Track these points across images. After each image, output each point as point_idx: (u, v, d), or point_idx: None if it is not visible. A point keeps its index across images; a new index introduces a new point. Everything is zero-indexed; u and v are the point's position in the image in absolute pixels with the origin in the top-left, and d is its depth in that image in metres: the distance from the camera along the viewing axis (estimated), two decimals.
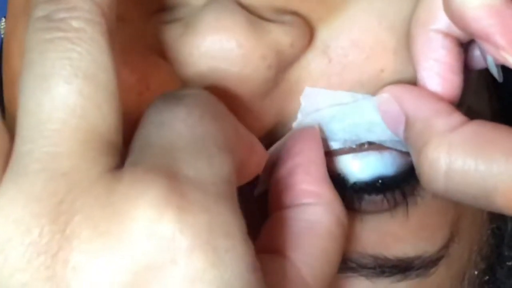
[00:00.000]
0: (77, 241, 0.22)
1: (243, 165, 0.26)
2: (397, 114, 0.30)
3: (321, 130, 0.32)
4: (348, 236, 0.32)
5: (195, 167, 0.23)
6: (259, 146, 0.29)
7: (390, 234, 0.33)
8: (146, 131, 0.25)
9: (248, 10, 0.29)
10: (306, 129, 0.31)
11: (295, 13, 0.30)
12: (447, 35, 0.29)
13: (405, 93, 0.30)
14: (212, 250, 0.22)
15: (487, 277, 0.39)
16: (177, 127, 0.24)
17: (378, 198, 0.32)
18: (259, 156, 0.29)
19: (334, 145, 0.32)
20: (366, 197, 0.32)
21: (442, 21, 0.29)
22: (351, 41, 0.31)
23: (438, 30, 0.29)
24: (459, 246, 0.36)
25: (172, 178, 0.23)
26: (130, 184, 0.22)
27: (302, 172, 0.30)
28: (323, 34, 0.31)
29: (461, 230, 0.36)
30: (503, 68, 0.31)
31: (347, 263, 0.32)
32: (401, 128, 0.30)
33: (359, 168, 0.32)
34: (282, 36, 0.29)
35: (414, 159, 0.30)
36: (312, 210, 0.29)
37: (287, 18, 0.30)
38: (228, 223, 0.23)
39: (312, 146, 0.31)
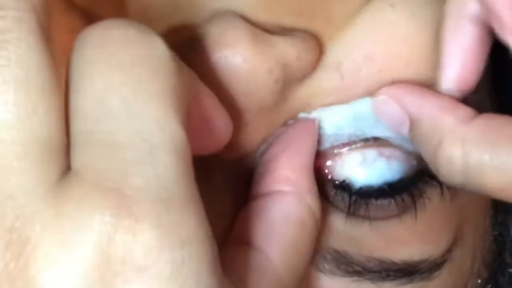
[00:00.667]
0: (32, 271, 0.21)
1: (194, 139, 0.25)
2: (399, 115, 0.30)
3: (321, 127, 0.31)
4: (355, 240, 0.32)
5: (140, 171, 0.22)
6: (221, 122, 0.27)
7: (397, 238, 0.33)
8: (81, 107, 0.22)
9: (255, 25, 0.29)
10: (303, 120, 0.31)
11: (304, 30, 0.30)
12: (476, 22, 0.29)
13: (405, 93, 0.30)
14: (167, 265, 0.21)
15: (489, 286, 0.39)
16: (114, 108, 0.22)
17: (386, 202, 0.32)
18: (219, 132, 0.27)
19: (338, 139, 0.32)
20: (374, 201, 0.32)
21: (471, 7, 0.29)
22: (364, 55, 0.31)
23: (467, 16, 0.29)
24: (462, 251, 0.35)
25: (118, 193, 0.21)
26: (78, 205, 0.21)
27: (283, 159, 0.30)
28: (335, 51, 0.31)
29: (464, 235, 0.35)
30: (504, 66, 0.31)
31: (352, 266, 0.32)
32: (405, 129, 0.30)
33: (365, 176, 0.32)
34: (288, 49, 0.29)
35: (427, 157, 0.30)
36: (285, 199, 0.29)
37: (295, 33, 0.29)
38: (183, 231, 0.22)
39: (303, 136, 0.31)
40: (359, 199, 0.32)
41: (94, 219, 0.21)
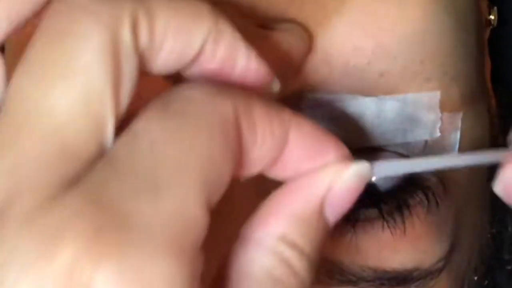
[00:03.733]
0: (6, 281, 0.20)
1: (275, 158, 0.23)
2: None
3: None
4: (347, 248, 0.31)
5: (136, 201, 0.20)
6: (305, 132, 0.24)
7: (388, 245, 0.32)
8: (121, 139, 0.22)
9: (247, 19, 0.29)
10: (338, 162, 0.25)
11: (293, 21, 0.30)
12: None
13: None
14: None
15: (486, 282, 0.39)
16: (141, 143, 0.21)
17: (374, 211, 0.32)
18: (305, 144, 0.24)
19: None
20: (363, 210, 0.32)
21: None
22: (353, 47, 0.30)
23: None
24: (459, 254, 0.35)
25: (106, 213, 0.20)
26: (62, 212, 0.20)
27: (280, 206, 0.24)
28: (324, 41, 0.30)
29: (461, 238, 0.35)
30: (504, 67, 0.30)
31: (346, 276, 0.32)
32: None
33: None
34: (280, 44, 0.29)
35: None
36: (262, 254, 0.23)
37: (285, 25, 0.29)
38: (153, 274, 0.20)
39: (311, 180, 0.25)
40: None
41: (67, 237, 0.20)
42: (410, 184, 0.33)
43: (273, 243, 0.23)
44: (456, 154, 0.30)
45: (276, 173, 0.24)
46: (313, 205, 0.24)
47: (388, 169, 0.26)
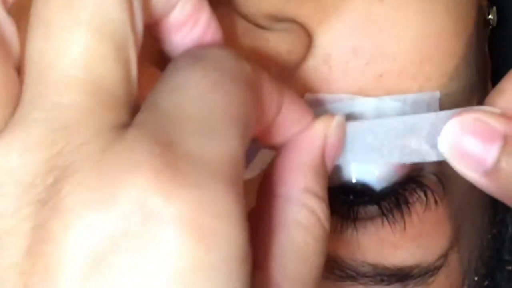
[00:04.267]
0: (64, 194, 0.21)
1: (270, 124, 0.25)
2: (492, 131, 0.28)
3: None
4: (347, 244, 0.32)
5: (197, 140, 0.22)
6: (296, 108, 0.27)
7: (388, 241, 0.33)
8: (159, 90, 0.24)
9: (246, 19, 0.29)
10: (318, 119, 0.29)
11: (292, 20, 0.30)
12: None
13: (493, 114, 0.28)
14: (197, 229, 0.20)
15: (486, 282, 0.39)
16: (188, 92, 0.23)
17: (373, 209, 0.32)
18: (293, 119, 0.27)
19: None
20: (362, 208, 0.32)
21: None
22: (352, 47, 0.31)
23: None
24: (458, 254, 0.35)
25: (171, 150, 0.21)
26: (127, 147, 0.21)
27: (281, 159, 0.28)
28: (323, 42, 0.31)
29: (461, 237, 0.35)
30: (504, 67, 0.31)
31: (346, 272, 0.32)
32: (495, 148, 0.28)
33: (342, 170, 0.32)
34: (279, 44, 0.29)
35: None
36: (275, 203, 0.27)
37: (284, 25, 0.30)
38: (221, 204, 0.21)
39: (312, 134, 0.28)
40: (348, 204, 0.32)
41: (139, 164, 0.21)
42: (409, 181, 0.33)
43: (299, 195, 0.27)
44: (427, 114, 0.30)
45: (268, 139, 0.27)
46: (318, 155, 0.28)
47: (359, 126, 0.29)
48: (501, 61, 0.32)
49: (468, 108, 0.29)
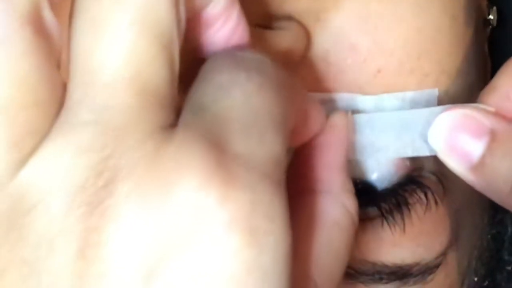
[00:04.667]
0: (117, 197, 0.21)
1: (294, 132, 0.25)
2: (479, 127, 0.29)
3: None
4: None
5: (246, 143, 0.22)
6: (316, 113, 0.28)
7: (387, 240, 0.33)
8: (202, 89, 0.24)
9: (246, 18, 0.29)
10: (335, 116, 0.30)
11: (290, 18, 0.30)
12: None
13: (479, 110, 0.29)
14: (250, 230, 0.21)
15: (486, 283, 0.39)
16: (234, 94, 0.23)
17: (373, 210, 0.32)
18: (314, 123, 0.28)
19: None
20: (363, 209, 0.32)
21: None
22: (350, 45, 0.31)
23: None
24: (457, 253, 0.35)
25: (221, 151, 0.22)
26: (179, 149, 0.21)
27: (315, 157, 0.29)
28: (322, 39, 0.31)
29: (461, 237, 0.35)
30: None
31: (346, 270, 0.32)
32: (481, 143, 0.29)
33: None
34: (278, 43, 0.29)
35: (506, 170, 0.29)
36: (317, 199, 0.28)
37: (282, 24, 0.30)
38: (272, 206, 0.21)
39: (335, 132, 0.30)
40: None
41: (193, 165, 0.21)
42: (409, 182, 0.33)
43: (338, 194, 0.28)
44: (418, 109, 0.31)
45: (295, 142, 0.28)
46: (345, 153, 0.29)
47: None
48: (501, 61, 0.32)
49: (460, 104, 0.30)
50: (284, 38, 0.30)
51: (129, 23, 0.22)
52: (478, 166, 0.29)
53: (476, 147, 0.29)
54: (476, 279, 0.38)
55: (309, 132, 0.28)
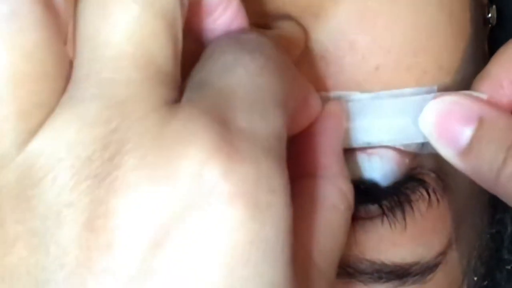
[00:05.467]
0: (124, 169, 0.21)
1: (293, 117, 0.26)
2: (468, 114, 0.30)
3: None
4: (346, 242, 0.32)
5: (249, 119, 0.23)
6: (314, 100, 0.29)
7: (387, 239, 0.33)
8: (207, 68, 0.24)
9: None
10: (331, 104, 0.31)
11: (288, 16, 0.31)
12: None
13: (470, 97, 0.30)
14: (253, 202, 0.21)
15: (486, 282, 0.39)
16: (238, 73, 0.24)
17: (373, 208, 0.32)
18: (312, 109, 0.29)
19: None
20: (361, 207, 0.32)
21: None
22: (348, 42, 0.31)
23: None
24: (457, 253, 0.35)
25: (225, 126, 0.22)
26: (184, 122, 0.22)
27: (313, 143, 0.30)
28: (320, 37, 0.31)
29: (460, 236, 0.35)
30: None
31: (344, 268, 0.32)
32: (469, 129, 0.30)
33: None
34: (276, 42, 0.29)
35: (488, 158, 0.29)
36: (316, 183, 0.29)
37: (281, 23, 0.30)
38: (274, 179, 0.22)
39: (332, 119, 0.30)
40: None
41: (197, 138, 0.22)
42: (410, 180, 0.33)
43: (336, 179, 0.29)
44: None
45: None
46: (339, 139, 0.30)
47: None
48: None
49: (452, 92, 0.31)
50: (283, 37, 0.30)
51: (132, 1, 0.23)
52: (466, 152, 0.30)
53: (464, 134, 0.30)
54: (475, 278, 0.38)
55: (307, 118, 0.29)
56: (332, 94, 0.31)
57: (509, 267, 0.40)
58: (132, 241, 0.21)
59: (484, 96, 0.30)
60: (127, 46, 0.23)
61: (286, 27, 0.30)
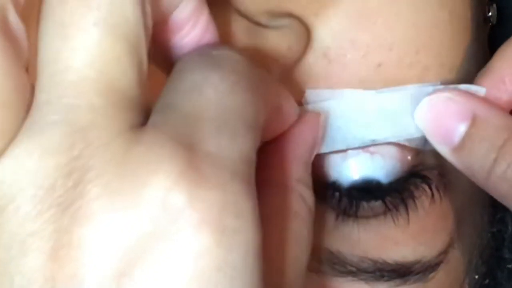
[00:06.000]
0: (87, 198, 0.21)
1: (265, 126, 0.26)
2: (462, 111, 0.30)
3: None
4: (349, 240, 0.32)
5: (217, 142, 0.22)
6: (289, 107, 0.29)
7: (389, 238, 0.33)
8: (174, 90, 0.24)
9: (244, 17, 0.29)
10: (309, 113, 0.31)
11: (290, 14, 0.31)
12: None
13: (466, 94, 0.31)
14: (220, 229, 0.21)
15: (487, 281, 0.39)
16: (207, 93, 0.23)
17: (377, 204, 0.32)
18: (286, 117, 0.29)
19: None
20: (365, 204, 0.32)
21: None
22: (350, 40, 0.31)
23: None
24: (459, 251, 0.35)
25: (192, 151, 0.22)
26: (148, 148, 0.22)
27: (277, 148, 0.29)
28: (322, 35, 0.31)
29: (461, 235, 0.35)
30: None
31: (346, 267, 0.32)
32: (463, 126, 0.30)
33: (347, 168, 0.32)
34: (279, 41, 0.29)
35: (480, 157, 0.30)
36: (274, 190, 0.28)
37: (282, 21, 0.30)
38: (241, 204, 0.22)
39: (304, 128, 0.30)
40: (349, 201, 0.32)
41: (162, 165, 0.21)
42: (414, 176, 0.33)
43: (295, 184, 0.28)
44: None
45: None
46: (310, 149, 0.30)
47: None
48: None
49: (449, 86, 0.31)
50: (284, 36, 0.30)
51: (93, 23, 0.22)
52: (459, 149, 0.30)
53: (457, 130, 0.30)
54: (476, 277, 0.38)
55: (280, 126, 0.29)
56: (335, 92, 0.31)
57: (510, 266, 0.40)
58: (97, 272, 0.21)
59: (482, 90, 0.31)
60: (88, 70, 0.22)
61: (288, 25, 0.30)
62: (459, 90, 0.31)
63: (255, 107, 0.24)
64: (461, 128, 0.30)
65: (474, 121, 0.30)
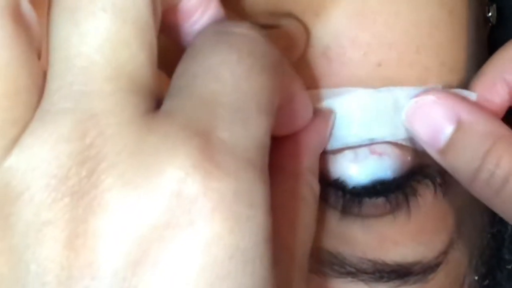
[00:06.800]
0: (101, 188, 0.21)
1: (277, 113, 0.26)
2: (447, 114, 0.31)
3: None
4: (348, 241, 0.32)
5: (231, 128, 0.23)
6: (303, 98, 0.29)
7: (390, 238, 0.33)
8: (189, 72, 0.24)
9: (243, 17, 0.30)
10: (322, 110, 0.31)
11: (290, 14, 0.31)
12: None
13: (454, 97, 0.31)
14: (232, 217, 0.21)
15: (487, 281, 0.39)
16: (223, 77, 0.23)
17: (379, 200, 0.32)
18: (299, 105, 0.29)
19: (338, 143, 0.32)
20: (367, 200, 0.32)
21: None
22: (349, 39, 0.31)
23: None
24: (458, 252, 0.35)
25: (206, 139, 0.22)
26: (162, 138, 0.22)
27: (291, 138, 0.30)
28: (321, 34, 0.31)
29: (461, 235, 0.35)
30: None
31: (346, 268, 0.32)
32: (448, 129, 0.30)
33: (357, 172, 0.32)
34: (278, 41, 0.29)
35: (465, 161, 0.30)
36: (286, 175, 0.29)
37: (282, 21, 0.30)
38: (254, 192, 0.22)
39: (317, 123, 0.30)
40: (352, 198, 0.32)
41: (176, 154, 0.21)
42: (415, 174, 0.33)
43: (305, 173, 0.29)
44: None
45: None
46: (322, 141, 0.31)
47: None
48: None
49: (438, 89, 0.31)
50: (284, 35, 0.30)
51: (101, 7, 0.22)
52: (444, 152, 0.31)
53: (443, 133, 0.30)
54: (476, 278, 0.38)
55: (292, 121, 0.29)
56: (335, 90, 0.31)
57: (509, 266, 0.40)
58: (112, 260, 0.21)
59: (473, 95, 0.31)
60: (97, 56, 0.22)
61: (288, 25, 0.30)
62: (447, 93, 0.31)
63: (270, 91, 0.24)
64: (447, 131, 0.30)
65: (459, 126, 0.30)
